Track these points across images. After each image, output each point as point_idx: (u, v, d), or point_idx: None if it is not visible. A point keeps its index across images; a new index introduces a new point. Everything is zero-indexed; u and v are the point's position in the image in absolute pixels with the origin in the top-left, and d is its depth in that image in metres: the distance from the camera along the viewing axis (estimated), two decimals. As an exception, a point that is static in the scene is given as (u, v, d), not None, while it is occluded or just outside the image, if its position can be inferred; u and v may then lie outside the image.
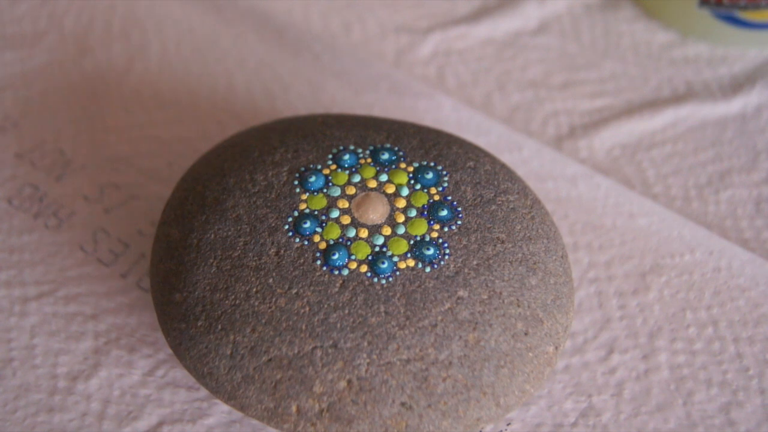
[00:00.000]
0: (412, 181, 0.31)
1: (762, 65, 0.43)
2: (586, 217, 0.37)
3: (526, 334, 0.28)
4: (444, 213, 0.30)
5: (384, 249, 0.29)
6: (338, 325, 0.27)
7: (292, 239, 0.29)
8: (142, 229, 0.36)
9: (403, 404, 0.27)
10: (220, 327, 0.28)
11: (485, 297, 0.28)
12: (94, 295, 0.34)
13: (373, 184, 0.30)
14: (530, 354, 0.28)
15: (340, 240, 0.29)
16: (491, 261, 0.29)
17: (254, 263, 0.28)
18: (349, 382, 0.27)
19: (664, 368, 0.33)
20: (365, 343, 0.27)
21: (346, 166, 0.31)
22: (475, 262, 0.29)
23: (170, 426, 0.31)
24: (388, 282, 0.28)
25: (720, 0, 0.41)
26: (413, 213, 0.30)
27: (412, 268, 0.28)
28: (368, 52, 0.43)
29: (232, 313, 0.28)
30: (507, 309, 0.28)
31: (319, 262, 0.28)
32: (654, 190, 0.38)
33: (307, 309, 0.28)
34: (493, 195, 0.31)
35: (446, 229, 0.29)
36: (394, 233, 0.29)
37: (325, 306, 0.28)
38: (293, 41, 0.43)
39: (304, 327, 0.27)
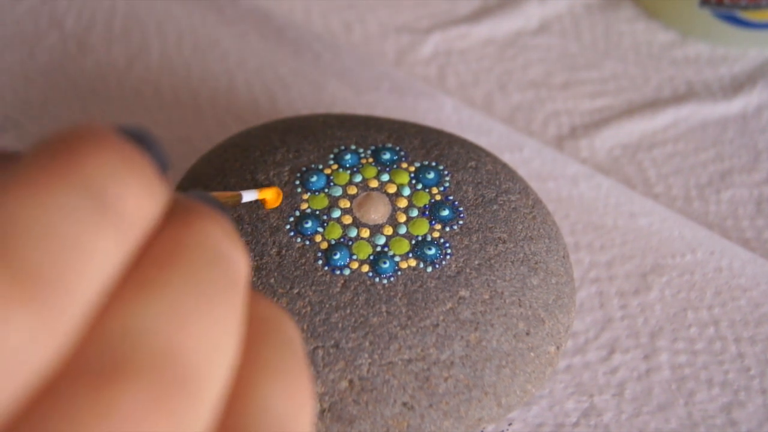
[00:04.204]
0: (414, 181, 0.30)
1: (762, 65, 0.43)
2: (587, 217, 0.37)
3: (527, 333, 0.28)
4: (445, 213, 0.30)
5: (385, 249, 0.29)
6: (340, 324, 0.27)
7: (293, 239, 0.29)
8: (143, 229, 0.36)
9: (404, 404, 0.27)
10: (221, 327, 0.28)
11: (487, 297, 0.28)
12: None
13: (374, 183, 0.30)
14: (532, 354, 0.28)
15: (342, 240, 0.29)
16: (493, 261, 0.29)
17: (256, 263, 0.28)
18: (351, 382, 0.27)
19: (665, 368, 0.33)
20: (367, 343, 0.27)
21: (348, 165, 0.31)
22: (476, 262, 0.29)
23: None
24: (389, 282, 0.28)
25: (721, 0, 0.41)
26: (415, 213, 0.30)
27: (414, 268, 0.28)
28: (369, 52, 0.43)
29: (233, 313, 0.28)
30: (508, 309, 0.28)
31: (320, 262, 0.28)
32: (655, 190, 0.38)
33: (309, 309, 0.28)
34: (494, 195, 0.31)
35: (448, 228, 0.29)
36: (395, 233, 0.29)
37: (327, 306, 0.28)
38: (294, 41, 0.43)
39: (305, 327, 0.27)
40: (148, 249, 0.14)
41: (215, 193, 0.26)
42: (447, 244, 0.29)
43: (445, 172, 0.31)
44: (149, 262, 0.14)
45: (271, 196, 0.29)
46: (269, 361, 0.15)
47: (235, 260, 0.15)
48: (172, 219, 0.14)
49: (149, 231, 0.14)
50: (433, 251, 0.29)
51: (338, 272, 0.28)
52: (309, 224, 0.29)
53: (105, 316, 0.13)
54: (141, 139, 0.14)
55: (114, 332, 0.12)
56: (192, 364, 0.13)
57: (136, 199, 0.13)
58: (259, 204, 0.30)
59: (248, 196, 0.28)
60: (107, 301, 0.13)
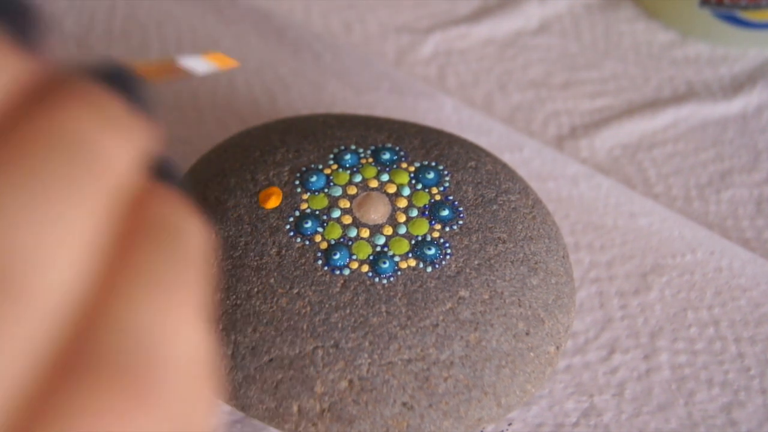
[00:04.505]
0: (414, 181, 0.30)
1: (762, 65, 0.43)
2: (587, 217, 0.37)
3: (527, 333, 0.28)
4: (445, 213, 0.30)
5: (385, 249, 0.29)
6: (339, 324, 0.27)
7: (293, 239, 0.29)
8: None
9: (404, 404, 0.27)
10: (221, 327, 0.28)
11: (486, 297, 0.28)
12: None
13: (374, 183, 0.30)
14: (531, 354, 0.28)
15: (342, 240, 0.29)
16: (492, 261, 0.29)
17: (255, 263, 0.28)
18: (351, 382, 0.27)
19: (665, 368, 0.33)
20: (366, 343, 0.27)
21: (348, 165, 0.31)
22: (476, 262, 0.29)
23: (171, 426, 0.31)
24: (389, 282, 0.28)
25: (721, 0, 0.41)
26: (414, 213, 0.30)
27: (414, 268, 0.28)
28: (369, 52, 0.43)
29: (233, 313, 0.28)
30: (508, 309, 0.28)
31: (320, 262, 0.28)
32: (655, 190, 0.38)
33: (309, 309, 0.28)
34: (494, 195, 0.31)
35: (447, 228, 0.29)
36: (395, 233, 0.29)
37: (327, 306, 0.28)
38: (294, 41, 0.43)
39: (305, 327, 0.27)
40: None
41: (142, 62, 0.18)
42: (447, 244, 0.29)
43: (445, 172, 0.31)
44: None
45: (223, 61, 0.20)
46: (147, 270, 0.13)
47: (109, 149, 0.12)
48: (40, 100, 0.12)
49: None
50: (432, 251, 0.29)
51: (338, 272, 0.28)
52: (309, 224, 0.29)
53: None
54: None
55: None
56: (15, 269, 0.11)
57: None
58: (258, 204, 0.30)
59: (194, 63, 0.19)
60: None
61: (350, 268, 0.28)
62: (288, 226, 0.29)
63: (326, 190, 0.30)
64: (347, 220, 0.29)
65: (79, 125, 0.12)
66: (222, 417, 0.31)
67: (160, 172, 0.14)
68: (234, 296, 0.28)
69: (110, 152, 0.12)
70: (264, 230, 0.29)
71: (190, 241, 0.13)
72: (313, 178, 0.30)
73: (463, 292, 0.28)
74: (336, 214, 0.29)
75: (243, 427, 0.31)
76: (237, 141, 0.33)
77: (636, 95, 0.42)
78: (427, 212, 0.30)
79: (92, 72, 0.13)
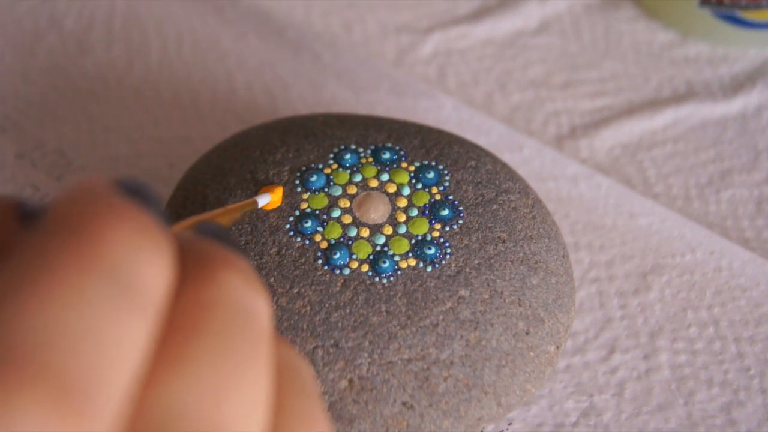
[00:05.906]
0: (414, 181, 0.30)
1: (762, 65, 0.43)
2: (587, 216, 0.37)
3: (527, 333, 0.28)
4: (445, 212, 0.30)
5: (385, 248, 0.29)
6: (339, 324, 0.27)
7: (293, 238, 0.29)
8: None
9: (404, 404, 0.27)
10: (221, 326, 0.28)
11: (486, 296, 0.28)
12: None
13: (374, 183, 0.30)
14: (531, 353, 0.28)
15: (342, 239, 0.29)
16: (492, 260, 0.29)
17: (255, 262, 0.28)
18: (351, 381, 0.27)
19: (665, 368, 0.33)
20: (366, 343, 0.27)
21: (348, 165, 0.31)
22: (476, 262, 0.29)
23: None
24: (389, 281, 0.28)
25: (721, 0, 0.41)
26: (414, 212, 0.30)
27: (414, 268, 0.28)
28: (369, 52, 0.43)
29: (233, 312, 0.28)
30: (508, 308, 0.28)
31: (320, 262, 0.28)
32: (655, 190, 0.38)
33: (309, 308, 0.28)
34: (494, 194, 0.31)
35: (447, 228, 0.29)
36: (395, 232, 0.29)
37: (327, 305, 0.28)
38: (294, 41, 0.43)
39: (305, 326, 0.27)
40: (172, 313, 0.14)
41: (231, 206, 0.26)
42: (447, 244, 0.29)
43: (445, 172, 0.31)
44: (177, 330, 0.13)
45: (278, 197, 0.29)
46: (294, 410, 0.15)
47: (259, 310, 0.14)
48: (190, 272, 0.14)
49: (169, 296, 0.14)
50: (432, 251, 0.29)
51: (338, 272, 0.28)
52: (309, 224, 0.29)
53: (143, 400, 0.13)
54: (138, 193, 0.14)
55: (153, 418, 0.13)
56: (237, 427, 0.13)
57: (154, 268, 0.13)
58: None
59: (261, 200, 0.28)
60: (143, 381, 0.13)
61: (350, 268, 0.28)
62: (288, 226, 0.29)
63: (326, 190, 0.30)
64: (347, 219, 0.29)
65: (238, 294, 0.14)
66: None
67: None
68: (234, 296, 0.28)
69: (261, 311, 0.14)
70: (264, 230, 0.29)
71: (309, 375, 0.16)
72: (313, 178, 0.30)
73: (463, 292, 0.28)
74: (336, 213, 0.29)
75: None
76: (237, 141, 0.33)
77: (636, 95, 0.42)
78: (427, 212, 0.30)
79: (214, 233, 0.15)
